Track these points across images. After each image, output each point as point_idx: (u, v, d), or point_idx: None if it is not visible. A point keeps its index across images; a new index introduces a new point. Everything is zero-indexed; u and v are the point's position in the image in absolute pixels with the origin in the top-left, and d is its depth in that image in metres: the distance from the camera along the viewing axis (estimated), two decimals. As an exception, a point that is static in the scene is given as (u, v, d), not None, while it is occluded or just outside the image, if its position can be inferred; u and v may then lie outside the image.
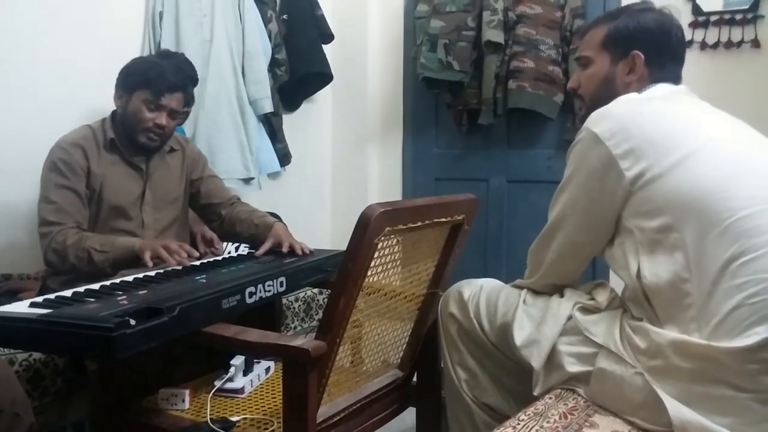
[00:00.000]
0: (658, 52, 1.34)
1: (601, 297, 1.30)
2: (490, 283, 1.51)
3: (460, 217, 1.51)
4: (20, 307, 1.24)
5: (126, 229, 1.82)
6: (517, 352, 1.33)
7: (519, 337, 1.33)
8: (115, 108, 1.89)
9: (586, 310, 1.30)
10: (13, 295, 1.85)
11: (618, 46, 1.36)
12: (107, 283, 1.42)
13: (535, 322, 1.33)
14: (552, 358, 1.28)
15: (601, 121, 1.23)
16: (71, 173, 1.75)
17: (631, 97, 1.32)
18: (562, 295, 1.36)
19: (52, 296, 1.31)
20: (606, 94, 1.34)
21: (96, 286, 1.39)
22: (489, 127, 2.97)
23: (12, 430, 0.85)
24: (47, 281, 1.79)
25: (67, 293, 1.33)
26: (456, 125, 3.10)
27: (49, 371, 1.55)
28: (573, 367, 1.25)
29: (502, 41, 2.79)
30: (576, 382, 1.25)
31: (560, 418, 1.16)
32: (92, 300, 1.28)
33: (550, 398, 1.24)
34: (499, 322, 1.41)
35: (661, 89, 1.32)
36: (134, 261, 1.64)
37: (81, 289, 1.37)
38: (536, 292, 1.41)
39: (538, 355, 1.29)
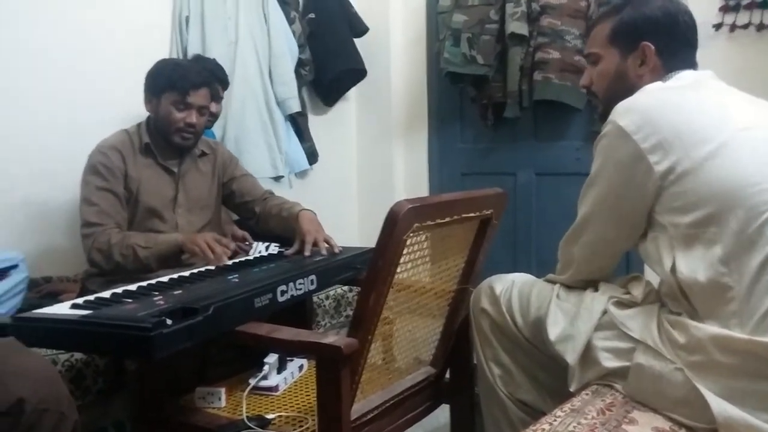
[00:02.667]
0: (667, 41, 1.31)
1: (637, 291, 1.28)
2: (522, 278, 1.50)
3: (489, 212, 1.50)
4: (62, 309, 1.27)
5: (161, 230, 1.87)
6: (552, 347, 1.32)
7: (553, 332, 1.32)
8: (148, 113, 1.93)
9: (622, 304, 1.28)
10: (54, 297, 1.90)
11: (625, 39, 1.34)
12: (144, 283, 1.45)
13: (569, 317, 1.32)
14: (587, 354, 1.26)
15: (626, 113, 1.21)
16: (110, 176, 1.80)
17: (656, 86, 1.29)
18: (596, 290, 1.34)
19: (91, 297, 1.34)
20: (620, 88, 1.32)
21: (133, 286, 1.42)
22: (515, 120, 2.95)
23: (58, 429, 0.88)
24: (86, 283, 1.84)
25: (106, 294, 1.36)
26: (481, 119, 3.08)
27: (91, 371, 1.58)
28: (609, 362, 1.24)
29: (526, 33, 2.76)
30: (613, 377, 1.23)
31: (598, 414, 1.15)
32: (130, 300, 1.30)
33: (587, 394, 1.23)
34: (532, 317, 1.40)
35: (686, 76, 1.29)
36: (177, 255, 1.68)
37: (119, 290, 1.40)
38: (569, 286, 1.40)
39: (573, 350, 1.28)
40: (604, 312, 1.28)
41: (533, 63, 2.80)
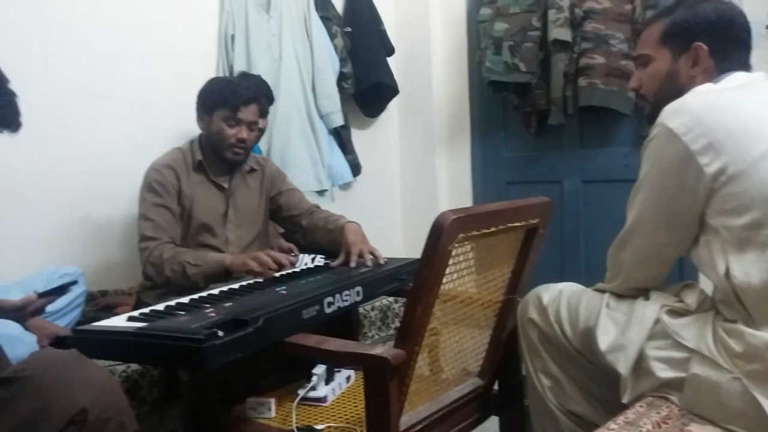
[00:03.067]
0: (721, 42, 1.28)
1: (690, 299, 1.25)
2: (570, 287, 1.48)
3: (535, 221, 1.49)
4: (118, 322, 1.32)
5: (212, 244, 1.92)
6: (603, 357, 1.29)
7: (603, 342, 1.30)
8: (199, 131, 1.99)
9: (675, 312, 1.25)
10: (110, 310, 1.97)
11: (678, 40, 1.31)
12: (196, 296, 1.49)
13: (620, 327, 1.29)
14: (640, 364, 1.23)
15: (675, 115, 1.19)
16: (165, 192, 1.86)
17: (706, 87, 1.26)
18: (647, 298, 1.31)
19: (146, 310, 1.38)
20: (671, 90, 1.30)
21: (186, 299, 1.46)
22: (560, 127, 2.92)
23: None
24: (141, 296, 1.90)
25: (160, 307, 1.41)
26: (525, 127, 3.06)
27: (146, 382, 1.63)
28: (664, 372, 1.20)
29: (569, 39, 2.73)
30: (668, 389, 1.20)
31: (653, 427, 1.12)
32: (183, 313, 1.34)
33: (641, 406, 1.20)
34: (581, 327, 1.38)
35: (738, 78, 1.26)
36: (224, 275, 1.72)
37: (172, 302, 1.44)
38: (619, 295, 1.37)
39: (625, 360, 1.25)
40: (657, 321, 1.25)
41: (577, 69, 2.77)
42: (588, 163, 3.00)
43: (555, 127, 2.91)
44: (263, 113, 2.02)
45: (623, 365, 1.25)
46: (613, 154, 2.93)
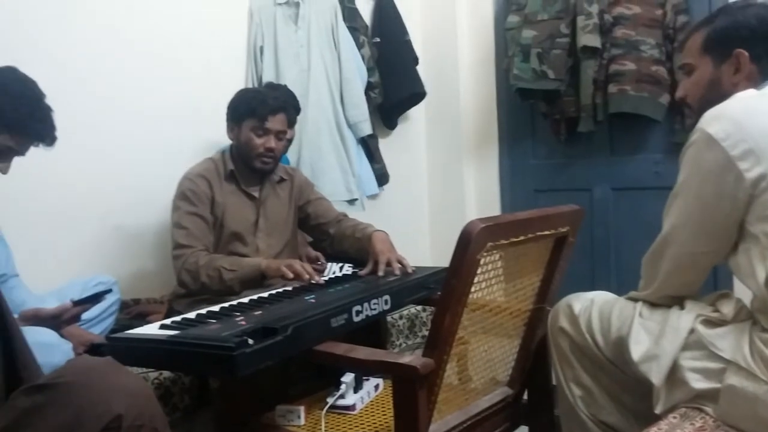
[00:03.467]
0: (763, 48, 1.27)
1: (727, 308, 1.22)
2: (601, 296, 1.46)
3: (564, 230, 1.48)
4: (151, 329, 1.34)
5: (242, 253, 1.95)
6: (635, 367, 1.27)
7: (636, 351, 1.28)
8: (230, 141, 2.02)
9: (710, 322, 1.22)
10: (143, 318, 2.01)
11: (718, 47, 1.30)
12: (226, 305, 1.51)
13: (654, 336, 1.27)
14: (674, 374, 1.21)
15: (715, 121, 1.17)
16: (198, 201, 1.90)
17: (747, 93, 1.25)
18: (682, 307, 1.29)
19: (178, 318, 1.41)
20: (713, 97, 1.28)
21: (216, 307, 1.48)
22: (589, 134, 2.88)
23: None
24: (173, 304, 1.94)
25: (191, 315, 1.43)
26: (554, 135, 3.04)
27: (178, 389, 1.66)
28: (699, 383, 1.18)
29: (599, 45, 2.71)
30: (703, 400, 1.18)
31: (687, 438, 1.10)
32: (213, 321, 1.36)
33: (675, 417, 1.18)
34: (613, 336, 1.36)
35: None
36: (260, 279, 1.74)
37: (203, 310, 1.46)
38: (653, 304, 1.35)
39: (658, 370, 1.23)
40: (692, 331, 1.23)
41: (607, 75, 2.74)
42: (618, 171, 2.96)
43: (584, 134, 2.88)
44: (291, 123, 2.05)
45: (656, 375, 1.23)
46: (643, 161, 2.89)
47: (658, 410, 1.23)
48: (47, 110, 1.55)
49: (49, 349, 1.34)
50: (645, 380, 1.26)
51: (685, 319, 1.25)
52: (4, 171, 1.54)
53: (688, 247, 1.25)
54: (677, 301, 1.31)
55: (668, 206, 1.28)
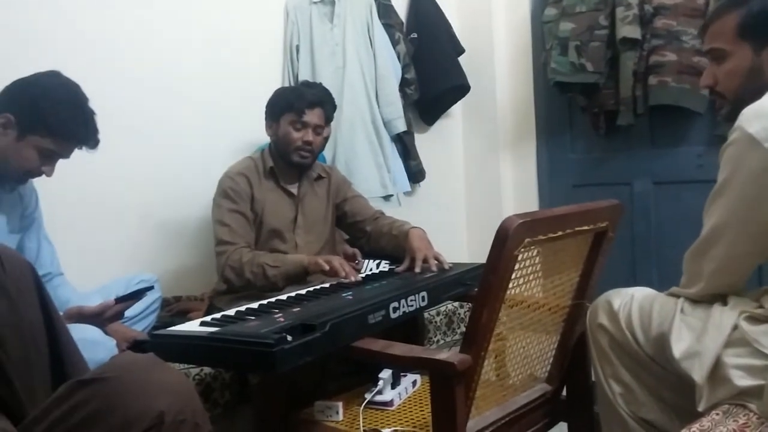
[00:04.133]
0: None
1: (772, 304, 1.19)
2: (642, 292, 1.43)
3: (603, 225, 1.46)
4: (192, 326, 1.37)
5: (281, 249, 1.98)
6: (677, 364, 1.25)
7: (678, 348, 1.25)
8: (267, 140, 2.05)
9: (755, 319, 1.19)
10: (183, 315, 2.05)
11: (758, 32, 1.24)
12: (265, 302, 1.54)
13: (696, 333, 1.25)
14: (717, 371, 1.19)
15: (756, 119, 1.13)
16: (239, 199, 1.94)
17: None
18: (725, 303, 1.26)
19: (218, 315, 1.43)
20: (754, 88, 1.23)
21: (255, 304, 1.51)
22: (629, 127, 2.83)
23: None
24: (214, 301, 1.98)
25: (231, 312, 1.46)
26: (593, 128, 2.99)
27: (218, 385, 1.69)
28: (742, 380, 1.15)
29: (639, 36, 2.66)
30: (747, 396, 1.15)
31: (730, 436, 1.07)
32: (253, 318, 1.38)
33: (717, 414, 1.15)
34: (654, 332, 1.33)
35: None
36: (303, 275, 1.77)
37: (243, 307, 1.49)
38: (695, 300, 1.32)
39: (701, 368, 1.20)
40: (735, 327, 1.20)
41: (647, 67, 2.68)
42: (659, 164, 2.90)
43: (624, 127, 2.82)
44: (328, 119, 2.07)
45: (698, 373, 1.20)
46: (685, 154, 2.82)
47: (700, 408, 1.20)
48: (90, 114, 1.59)
49: (93, 345, 1.37)
50: (686, 377, 1.23)
51: (728, 316, 1.22)
52: (49, 174, 1.59)
53: (732, 248, 1.22)
54: (720, 298, 1.28)
55: (708, 205, 1.25)
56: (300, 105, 1.96)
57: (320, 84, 2.17)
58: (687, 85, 2.60)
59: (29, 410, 0.94)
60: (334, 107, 2.10)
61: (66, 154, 1.59)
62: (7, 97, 1.54)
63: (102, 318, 1.54)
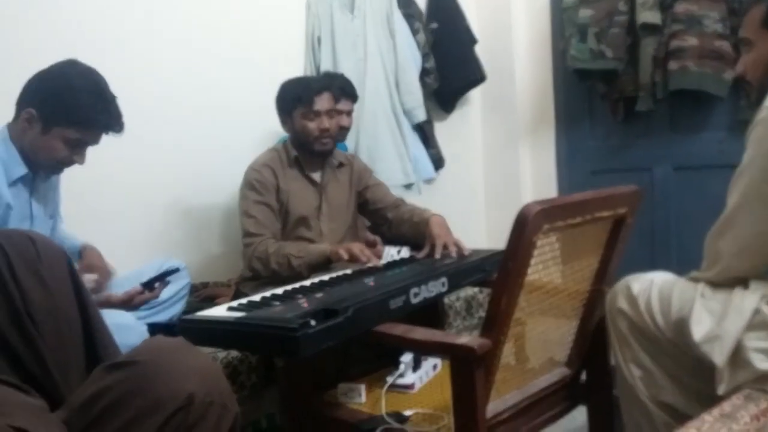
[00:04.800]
0: None
1: (793, 288, 1.20)
2: (661, 277, 1.44)
3: (623, 211, 1.46)
4: (219, 311, 1.41)
5: (307, 237, 2.02)
6: (697, 348, 1.26)
7: (698, 332, 1.26)
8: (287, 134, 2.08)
9: (776, 303, 1.20)
10: (211, 301, 2.10)
11: None
12: (289, 287, 1.57)
13: (716, 317, 1.25)
14: (737, 355, 1.20)
15: None
16: (265, 190, 1.97)
17: None
18: (746, 287, 1.26)
19: (244, 301, 1.47)
20: None
21: (280, 290, 1.54)
22: (649, 113, 2.81)
23: (221, 420, 0.96)
24: (240, 287, 2.02)
25: (256, 298, 1.49)
26: (612, 115, 2.97)
27: (245, 368, 1.73)
28: (763, 364, 1.16)
29: (659, 22, 2.64)
30: None
31: (752, 420, 1.08)
32: (277, 303, 1.42)
33: (738, 399, 1.16)
34: (674, 317, 1.34)
35: None
36: (326, 264, 1.81)
37: (268, 293, 1.52)
38: (715, 284, 1.33)
39: (721, 351, 1.21)
40: (756, 311, 1.21)
41: (668, 52, 2.66)
42: (679, 150, 2.88)
43: (644, 113, 2.81)
44: (338, 98, 2.08)
45: (719, 356, 1.21)
46: (706, 140, 2.80)
47: (720, 391, 1.21)
48: (110, 99, 1.58)
49: (125, 330, 1.42)
50: (706, 361, 1.24)
51: (749, 300, 1.22)
52: (81, 162, 1.62)
53: (753, 228, 1.23)
54: (741, 282, 1.29)
55: (732, 185, 1.25)
56: (307, 95, 1.97)
57: (341, 74, 2.19)
58: (708, 69, 2.57)
59: (65, 392, 0.97)
60: (353, 98, 2.12)
61: (93, 141, 1.60)
62: (28, 92, 1.55)
63: (129, 306, 1.58)
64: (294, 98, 1.99)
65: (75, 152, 1.59)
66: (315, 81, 2.01)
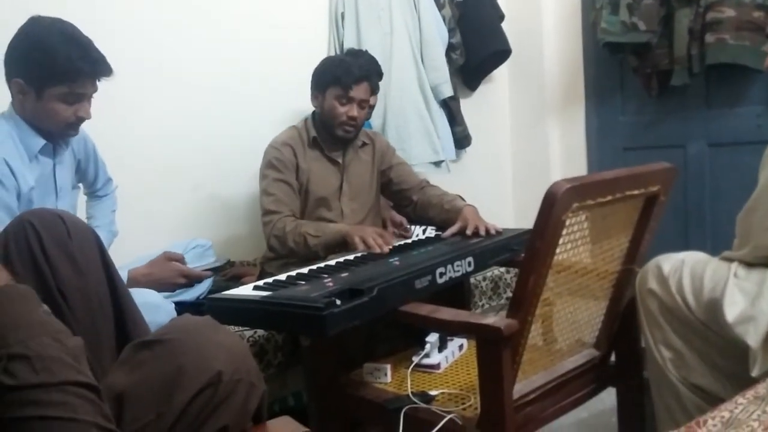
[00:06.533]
0: None
1: (831, 268, 1.15)
2: (693, 257, 1.41)
3: (655, 189, 1.42)
4: (246, 291, 1.42)
5: (328, 218, 2.01)
6: (730, 329, 1.23)
7: (731, 313, 1.23)
8: (313, 109, 2.06)
9: (813, 283, 1.16)
10: (237, 280, 2.12)
11: None
12: (314, 267, 1.57)
13: (750, 297, 1.22)
14: (772, 337, 1.16)
15: None
16: (284, 168, 1.97)
17: None
18: (781, 267, 1.23)
19: (270, 280, 1.48)
20: None
21: (305, 270, 1.55)
22: (683, 88, 2.73)
23: (249, 397, 0.97)
24: (265, 266, 2.03)
25: (282, 277, 1.50)
26: (645, 89, 2.89)
27: (271, 346, 1.75)
28: (799, 345, 1.13)
29: (694, -8, 2.54)
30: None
31: (785, 402, 1.05)
32: (303, 282, 1.42)
33: (773, 380, 1.13)
34: (706, 297, 1.31)
35: None
36: (343, 245, 1.80)
37: (293, 272, 1.53)
38: (749, 264, 1.29)
39: (755, 332, 1.18)
40: (792, 292, 1.17)
41: (704, 24, 2.56)
42: (715, 125, 2.80)
43: (678, 88, 2.72)
44: (374, 91, 2.07)
45: (753, 337, 1.18)
46: (743, 115, 2.71)
47: (754, 373, 1.18)
48: (86, 44, 1.51)
49: (154, 309, 1.44)
50: (740, 342, 1.21)
51: (785, 280, 1.19)
52: (86, 116, 1.57)
53: None
54: (776, 261, 1.25)
55: (765, 160, 1.21)
56: (347, 80, 1.95)
57: (366, 52, 2.16)
58: (747, 41, 2.48)
59: (96, 369, 0.99)
60: (380, 76, 2.09)
61: (90, 90, 1.55)
62: (7, 64, 1.52)
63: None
64: (333, 78, 1.97)
65: (77, 108, 1.54)
66: (357, 68, 1.98)
